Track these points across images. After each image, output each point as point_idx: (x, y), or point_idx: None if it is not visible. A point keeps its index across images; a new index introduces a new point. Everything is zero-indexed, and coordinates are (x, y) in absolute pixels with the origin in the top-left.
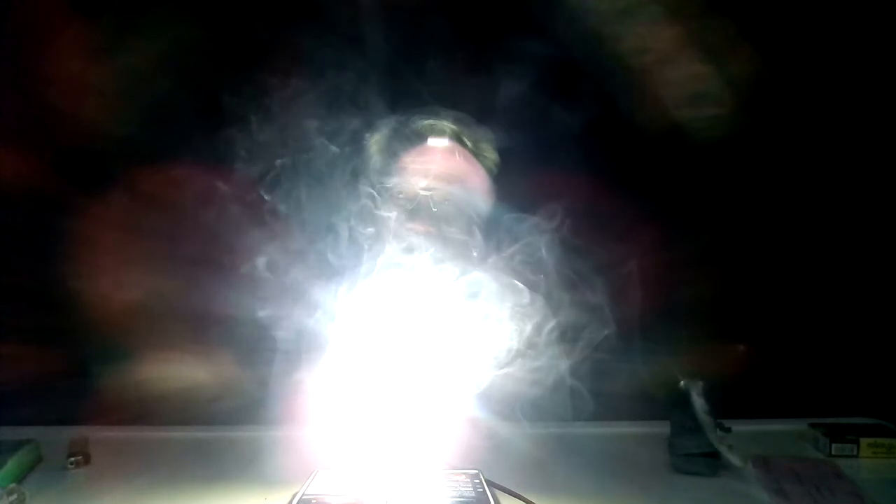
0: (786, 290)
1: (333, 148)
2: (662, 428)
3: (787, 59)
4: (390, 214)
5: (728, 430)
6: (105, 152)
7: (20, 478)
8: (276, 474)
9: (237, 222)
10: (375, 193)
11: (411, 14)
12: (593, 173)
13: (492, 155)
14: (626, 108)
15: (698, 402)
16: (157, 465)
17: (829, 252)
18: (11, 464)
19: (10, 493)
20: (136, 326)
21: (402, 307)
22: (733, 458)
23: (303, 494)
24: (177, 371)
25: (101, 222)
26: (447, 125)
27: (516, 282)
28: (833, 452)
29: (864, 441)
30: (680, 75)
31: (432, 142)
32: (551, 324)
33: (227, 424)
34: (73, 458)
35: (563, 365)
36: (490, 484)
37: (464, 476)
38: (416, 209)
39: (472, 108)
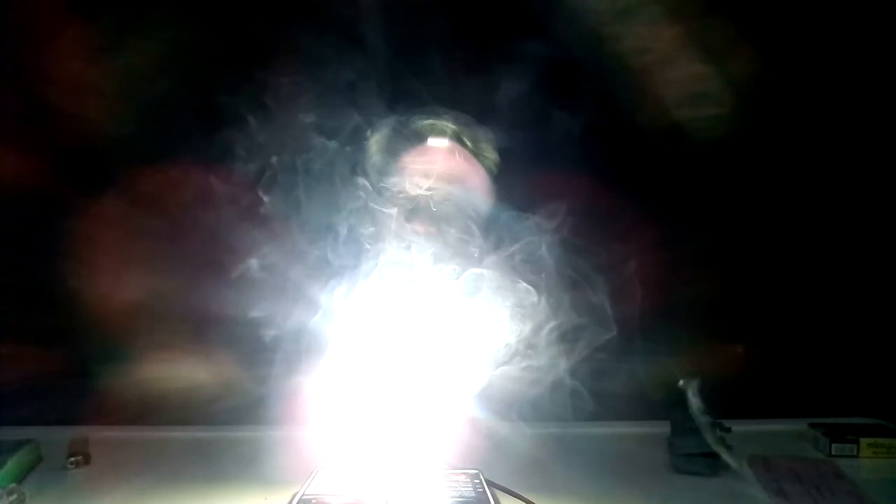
0: (785, 291)
1: (333, 148)
2: (662, 428)
3: (787, 59)
4: (390, 214)
5: (728, 430)
6: (105, 152)
7: (20, 478)
8: (276, 474)
9: (237, 222)
10: (375, 193)
11: (411, 13)
12: (593, 173)
13: (492, 155)
14: (626, 108)
15: (695, 401)
16: (157, 465)
17: (828, 252)
18: (11, 464)
19: (10, 493)
20: (136, 326)
21: (402, 307)
22: (730, 459)
23: (303, 494)
24: (177, 371)
25: (100, 222)
26: (447, 125)
27: (516, 281)
28: (833, 452)
29: (864, 441)
30: (680, 75)
31: (432, 142)
32: (551, 323)
33: (227, 424)
34: (73, 458)
35: (563, 365)
36: (490, 484)
37: (464, 476)
38: (415, 209)
39: (471, 108)
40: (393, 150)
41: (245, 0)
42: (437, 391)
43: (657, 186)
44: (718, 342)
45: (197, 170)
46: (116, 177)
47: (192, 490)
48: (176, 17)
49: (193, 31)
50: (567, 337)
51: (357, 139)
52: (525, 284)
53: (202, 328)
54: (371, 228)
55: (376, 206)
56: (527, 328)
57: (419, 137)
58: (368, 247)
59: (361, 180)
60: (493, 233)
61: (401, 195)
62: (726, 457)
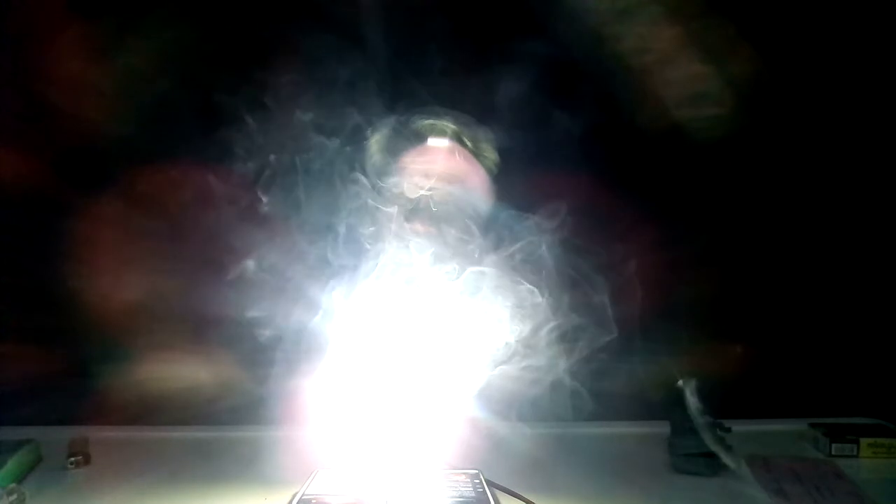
0: (785, 291)
1: (333, 148)
2: (662, 428)
3: (786, 59)
4: (390, 214)
5: (728, 429)
6: (105, 152)
7: (20, 478)
8: (276, 474)
9: (237, 222)
10: (375, 193)
11: (411, 13)
12: (592, 173)
13: (491, 155)
14: (626, 108)
15: (692, 401)
16: (157, 465)
17: (828, 252)
18: (11, 464)
19: (10, 493)
20: (136, 326)
21: (402, 307)
22: (727, 459)
23: (303, 494)
24: (177, 371)
25: (100, 222)
26: (447, 125)
27: (515, 281)
28: (833, 452)
29: (864, 441)
30: (679, 75)
31: (432, 141)
32: (551, 323)
33: (227, 424)
34: (73, 458)
35: (563, 364)
36: (490, 484)
37: (464, 476)
38: (415, 209)
39: (471, 108)
40: (393, 150)
41: (245, 0)
42: (437, 391)
43: (657, 186)
44: (718, 342)
45: (196, 170)
46: (116, 177)
47: (192, 490)
48: (175, 17)
49: (193, 30)
50: (567, 337)
51: (357, 139)
52: (524, 284)
53: (202, 328)
54: (371, 228)
55: (376, 206)
56: (526, 328)
57: (419, 137)
58: (368, 247)
59: (361, 180)
60: (492, 233)
61: (401, 195)
62: (724, 457)
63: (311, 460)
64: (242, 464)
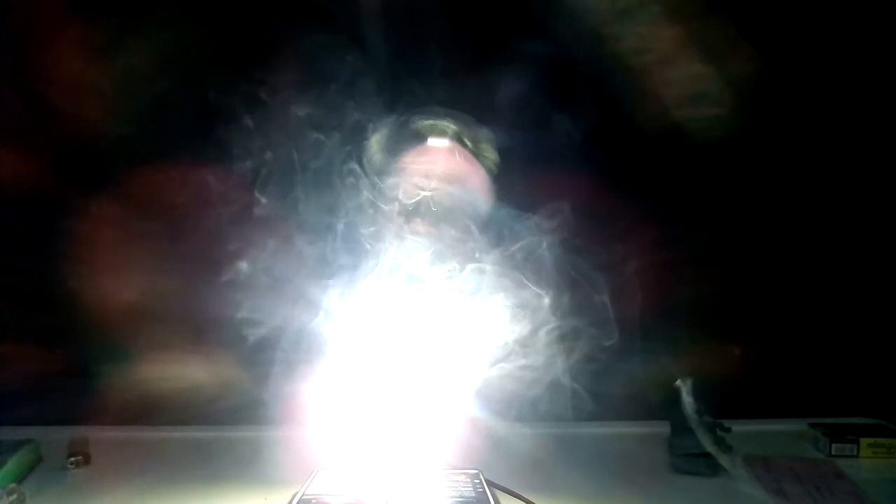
0: (785, 291)
1: (333, 148)
2: (662, 428)
3: (786, 59)
4: (390, 214)
5: (728, 429)
6: (105, 152)
7: (20, 478)
8: (276, 474)
9: (237, 222)
10: (375, 193)
11: (411, 13)
12: (591, 173)
13: (492, 155)
14: (625, 108)
15: (688, 401)
16: (157, 465)
17: (828, 252)
18: (11, 464)
19: (10, 493)
20: (136, 327)
21: (402, 307)
22: (722, 459)
23: (303, 494)
24: (177, 371)
25: (100, 222)
26: (447, 125)
27: (515, 281)
28: (833, 452)
29: (864, 441)
30: (679, 75)
31: (432, 142)
32: (551, 323)
33: (227, 424)
34: (73, 458)
35: (563, 364)
36: (490, 484)
37: (464, 476)
38: (416, 209)
39: (471, 108)
40: (393, 150)
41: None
42: (437, 391)
43: (657, 187)
44: (718, 342)
45: (196, 170)
46: (116, 177)
47: (192, 490)
48: (175, 16)
49: (192, 30)
50: (567, 336)
51: (357, 139)
52: (524, 284)
53: (202, 328)
54: (371, 228)
55: (376, 206)
56: (526, 328)
57: (419, 137)
58: (368, 247)
59: (361, 180)
60: (492, 232)
61: (401, 195)
62: (719, 457)
63: (311, 460)
64: (242, 464)
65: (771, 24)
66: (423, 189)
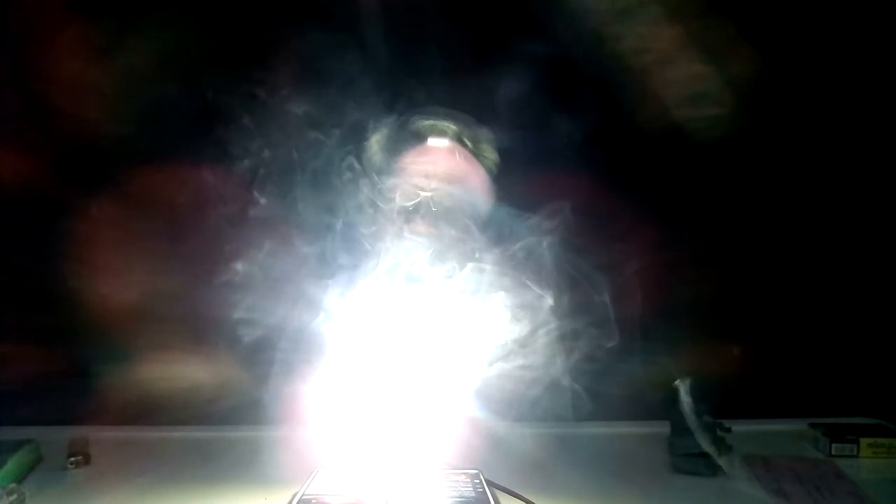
0: (785, 291)
1: (334, 148)
2: (662, 428)
3: (786, 59)
4: (390, 214)
5: (728, 429)
6: (105, 152)
7: (20, 478)
8: (276, 474)
9: (238, 222)
10: (375, 193)
11: (411, 13)
12: (591, 173)
13: (491, 155)
14: (625, 109)
15: (686, 400)
16: (157, 465)
17: (828, 252)
18: (11, 464)
19: (10, 493)
20: (136, 326)
21: (402, 307)
22: (720, 460)
23: (303, 494)
24: (177, 371)
25: (100, 222)
26: (447, 125)
27: (514, 281)
28: (833, 452)
29: (864, 441)
30: (679, 75)
31: (432, 142)
32: (550, 323)
33: (227, 424)
34: (73, 458)
35: (563, 364)
36: (490, 484)
37: (464, 476)
38: (416, 209)
39: (471, 109)
40: (393, 150)
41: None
42: (437, 391)
43: (657, 187)
44: (718, 342)
45: (196, 170)
46: (116, 177)
47: (192, 490)
48: (175, 16)
49: (192, 30)
50: (566, 336)
51: (357, 139)
52: (524, 284)
53: (202, 328)
54: (371, 228)
55: (376, 206)
56: (526, 328)
57: (419, 137)
58: (368, 246)
59: (361, 180)
60: (492, 232)
61: (401, 195)
62: (717, 457)
63: (311, 460)
64: (242, 464)
65: (771, 24)
66: (422, 189)
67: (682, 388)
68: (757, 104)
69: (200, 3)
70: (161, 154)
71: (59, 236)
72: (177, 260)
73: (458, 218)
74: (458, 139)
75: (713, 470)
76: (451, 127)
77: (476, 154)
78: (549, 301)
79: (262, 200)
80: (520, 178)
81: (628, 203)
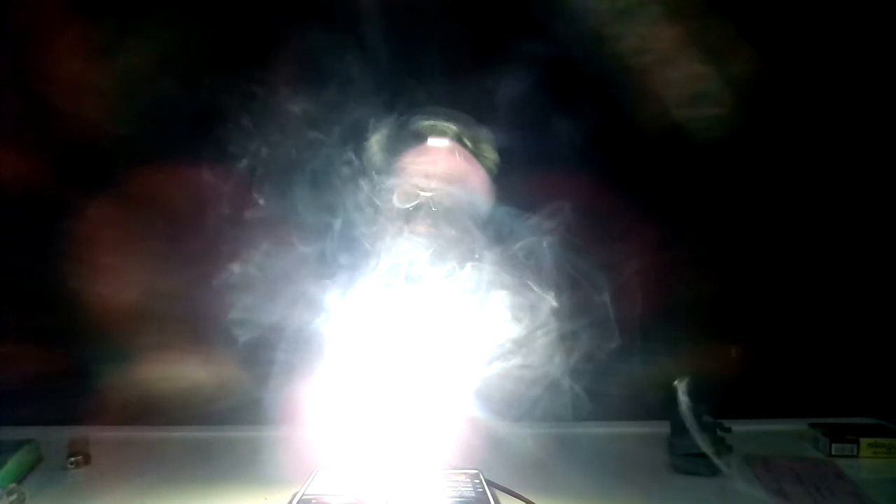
0: (785, 291)
1: (333, 148)
2: (662, 428)
3: (786, 59)
4: (390, 214)
5: (728, 429)
6: (105, 152)
7: (20, 478)
8: (276, 474)
9: (238, 222)
10: (375, 193)
11: (411, 13)
12: (591, 173)
13: (491, 155)
14: (625, 109)
15: (684, 400)
16: (157, 465)
17: (828, 252)
18: (11, 464)
19: (10, 493)
20: (136, 326)
21: (402, 307)
22: (721, 460)
23: (303, 494)
24: (177, 371)
25: (100, 222)
26: (447, 125)
27: (514, 281)
28: (833, 452)
29: (864, 441)
30: (679, 75)
31: (432, 142)
32: (550, 323)
33: (227, 424)
34: (73, 458)
35: (563, 364)
36: (490, 484)
37: (464, 476)
38: (415, 209)
39: (471, 109)
40: (393, 150)
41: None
42: (437, 391)
43: (657, 187)
44: (718, 342)
45: (196, 170)
46: (116, 177)
47: (192, 490)
48: (175, 16)
49: (192, 30)
50: (566, 336)
51: (357, 139)
52: (524, 284)
53: (202, 328)
54: (371, 228)
55: (376, 206)
56: (526, 328)
57: (419, 137)
58: (368, 247)
59: (361, 180)
60: (492, 232)
61: (400, 195)
62: (713, 456)
63: (311, 460)
64: (242, 464)
65: (771, 24)
66: (422, 189)
67: (680, 388)
68: (757, 104)
69: (200, 2)
70: (161, 154)
71: (59, 236)
72: (177, 260)
73: (457, 218)
74: (458, 139)
75: (713, 470)
76: (451, 127)
77: (476, 154)
78: (548, 301)
79: (263, 200)
80: (519, 177)
81: (628, 203)
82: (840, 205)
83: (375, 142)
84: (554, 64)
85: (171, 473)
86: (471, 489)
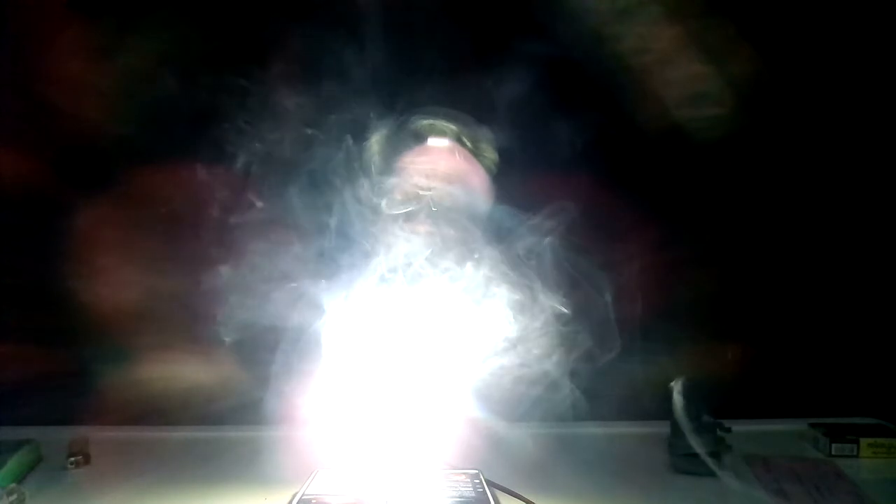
0: (785, 290)
1: (333, 148)
2: (662, 428)
3: (786, 59)
4: (390, 214)
5: (728, 429)
6: (105, 152)
7: (20, 478)
8: (276, 474)
9: (238, 222)
10: (375, 193)
11: (410, 13)
12: (591, 173)
13: (491, 155)
14: (625, 109)
15: (679, 400)
16: (157, 465)
17: (828, 252)
18: (11, 464)
19: (10, 493)
20: (136, 326)
21: (402, 307)
22: (721, 460)
23: (303, 494)
24: (177, 371)
25: (100, 222)
26: (447, 125)
27: (515, 281)
28: (833, 452)
29: (864, 441)
30: (679, 75)
31: (432, 142)
32: (551, 323)
33: (227, 424)
34: (73, 458)
35: (563, 364)
36: (490, 484)
37: (464, 476)
38: (415, 209)
39: (471, 109)
40: (393, 150)
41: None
42: (437, 391)
43: (657, 187)
44: (718, 342)
45: (195, 170)
46: (116, 177)
47: (192, 490)
48: (174, 16)
49: (192, 30)
50: (567, 336)
51: (357, 139)
52: (524, 284)
53: (202, 328)
54: (371, 228)
55: (375, 207)
56: (526, 327)
57: (419, 137)
58: (368, 247)
59: (361, 180)
60: (491, 232)
61: (400, 195)
62: (716, 457)
63: (311, 460)
64: (242, 464)
65: (771, 24)
66: (422, 189)
67: (676, 388)
68: (757, 104)
69: (200, 2)
70: (161, 154)
71: (59, 236)
72: (176, 259)
73: (457, 218)
74: (458, 139)
75: (713, 470)
76: (451, 127)
77: (476, 154)
78: (548, 301)
79: (262, 200)
80: (519, 178)
81: (628, 203)
82: (840, 205)
83: (375, 142)
84: (554, 64)
85: (171, 473)
86: (471, 489)
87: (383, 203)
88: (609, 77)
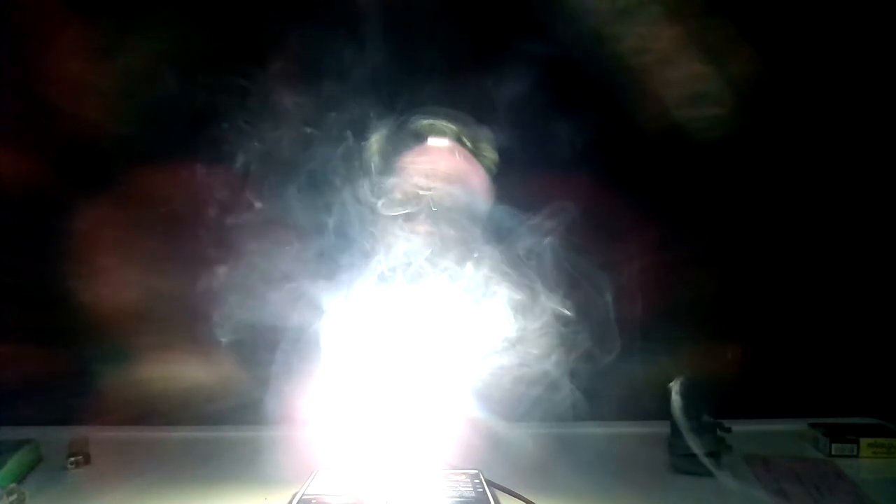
0: (785, 291)
1: (333, 148)
2: (662, 428)
3: (786, 59)
4: (389, 214)
5: (728, 429)
6: (105, 152)
7: (20, 478)
8: (276, 474)
9: (238, 222)
10: (374, 194)
11: (410, 13)
12: (591, 173)
13: (491, 155)
14: (626, 109)
15: (677, 400)
16: (157, 465)
17: (828, 252)
18: (11, 464)
19: (10, 493)
20: (136, 326)
21: (402, 307)
22: (721, 460)
23: (303, 494)
24: (177, 371)
25: (100, 222)
26: (447, 125)
27: (515, 281)
28: (833, 452)
29: (864, 441)
30: (679, 75)
31: (432, 141)
32: (551, 323)
33: (227, 424)
34: (73, 458)
35: (563, 364)
36: (490, 484)
37: (464, 476)
38: (415, 209)
39: (471, 108)
40: (392, 150)
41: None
42: (437, 391)
43: (656, 187)
44: (718, 342)
45: (195, 170)
46: (116, 177)
47: (192, 490)
48: (174, 16)
49: (192, 30)
50: (567, 336)
51: (357, 139)
52: (524, 284)
53: (202, 328)
54: (371, 228)
55: (375, 207)
56: (526, 327)
57: (418, 137)
58: (368, 247)
59: (361, 180)
60: (491, 232)
61: (400, 195)
62: (716, 457)
63: (311, 460)
64: (242, 464)
65: (771, 24)
66: (422, 189)
67: (675, 388)
68: (757, 104)
69: (199, 2)
70: (161, 154)
71: (59, 236)
72: (177, 259)
73: (457, 218)
74: (458, 139)
75: (713, 470)
76: (451, 127)
77: (476, 154)
78: (548, 301)
79: (262, 200)
80: (519, 177)
81: (628, 203)
82: (840, 205)
83: (375, 141)
84: (554, 64)
85: (171, 473)
86: (471, 489)
87: (383, 203)
88: (609, 77)
